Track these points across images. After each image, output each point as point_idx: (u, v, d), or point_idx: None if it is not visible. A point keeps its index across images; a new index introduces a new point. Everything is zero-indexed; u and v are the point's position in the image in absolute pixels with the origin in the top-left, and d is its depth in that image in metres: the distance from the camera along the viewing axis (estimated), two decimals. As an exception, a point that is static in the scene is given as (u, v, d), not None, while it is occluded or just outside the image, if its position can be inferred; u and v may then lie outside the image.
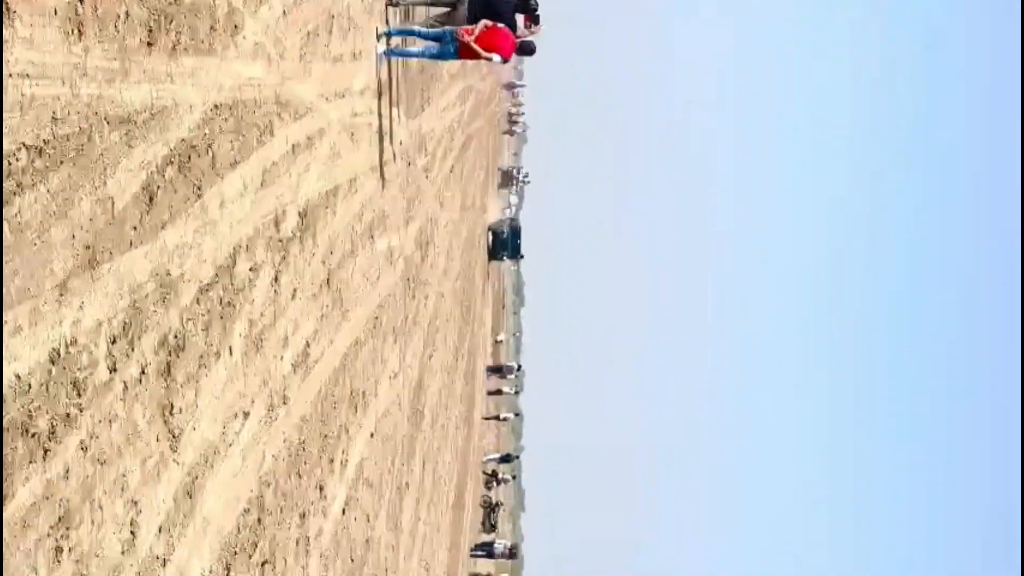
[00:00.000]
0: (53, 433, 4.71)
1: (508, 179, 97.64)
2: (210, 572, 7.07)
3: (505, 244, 59.49)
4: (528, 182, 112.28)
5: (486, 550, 43.60)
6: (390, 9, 15.05)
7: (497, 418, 59.39)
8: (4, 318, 4.27)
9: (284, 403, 9.12)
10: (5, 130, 4.30)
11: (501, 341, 77.68)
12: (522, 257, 67.62)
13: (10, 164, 4.32)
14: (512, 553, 45.87)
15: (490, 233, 57.62)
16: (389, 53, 14.85)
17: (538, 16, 17.29)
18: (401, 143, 17.28)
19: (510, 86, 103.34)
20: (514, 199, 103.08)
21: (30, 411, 4.49)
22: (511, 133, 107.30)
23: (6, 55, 4.31)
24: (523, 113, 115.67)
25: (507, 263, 78.05)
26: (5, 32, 4.30)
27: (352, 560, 12.78)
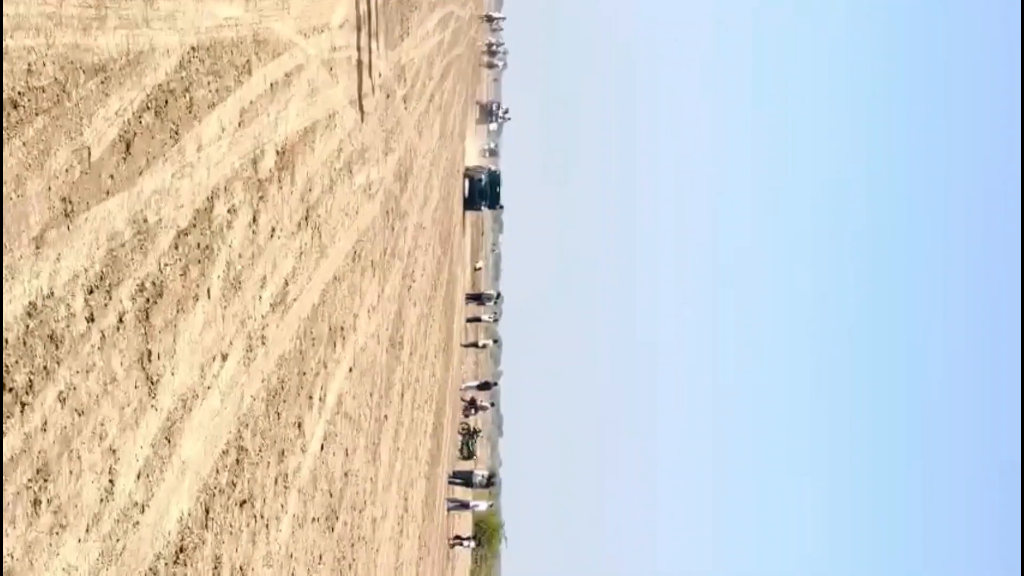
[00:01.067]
0: (31, 387, 4.72)
1: (487, 113, 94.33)
2: (189, 514, 7.11)
3: (484, 193, 54.80)
4: (508, 118, 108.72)
5: (463, 478, 43.92)
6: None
7: (475, 345, 59.62)
8: (-20, 274, 4.27)
9: (263, 343, 9.13)
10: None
11: (480, 268, 77.57)
12: (502, 207, 63.44)
13: (-15, 119, 4.30)
14: (489, 482, 46.26)
15: (466, 180, 53.23)
16: None
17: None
18: (380, 75, 17.18)
19: (489, 18, 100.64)
20: (492, 140, 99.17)
21: (7, 366, 4.49)
22: (491, 66, 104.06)
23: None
24: (503, 43, 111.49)
25: (485, 212, 71.01)
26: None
27: (331, 495, 12.86)
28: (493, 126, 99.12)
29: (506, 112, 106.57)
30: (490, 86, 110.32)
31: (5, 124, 4.47)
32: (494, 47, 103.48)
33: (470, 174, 54.04)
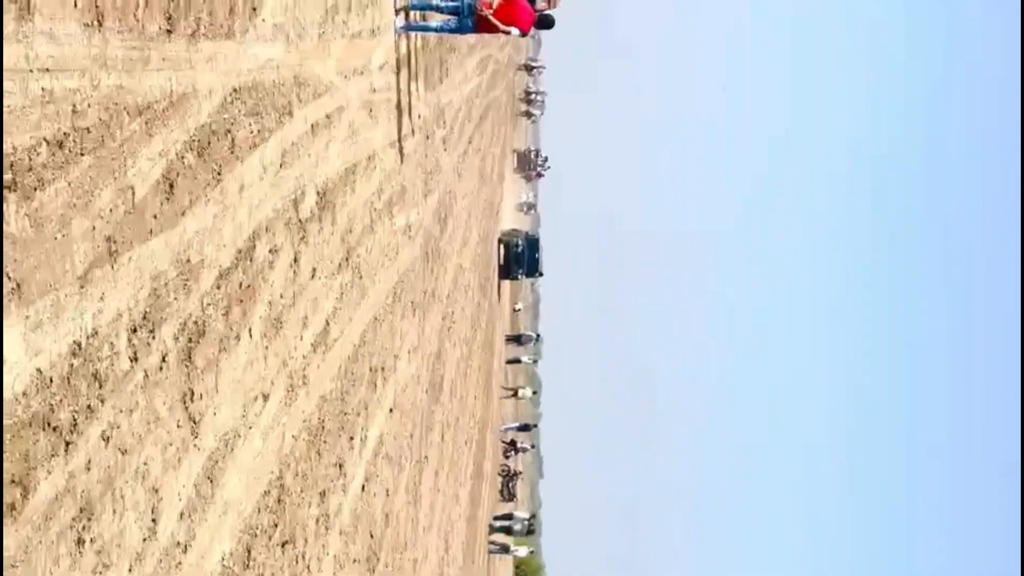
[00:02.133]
0: (75, 425, 4.72)
1: (525, 162, 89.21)
2: (231, 555, 7.10)
3: (520, 259, 48.28)
4: (548, 167, 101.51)
5: (504, 528, 43.73)
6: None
7: (515, 395, 58.49)
8: (26, 313, 4.28)
9: (304, 383, 9.14)
10: (26, 125, 4.30)
11: (520, 310, 77.03)
12: (541, 275, 55.94)
13: (30, 159, 4.32)
14: (530, 529, 45.98)
15: (501, 246, 46.84)
16: (407, 28, 14.81)
17: (555, -8, 17.25)
18: (420, 116, 17.25)
19: (528, 67, 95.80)
20: (530, 192, 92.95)
21: (52, 405, 4.50)
22: (528, 115, 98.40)
23: (28, 51, 4.30)
24: (542, 90, 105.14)
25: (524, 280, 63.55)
26: (26, 27, 4.29)
27: (372, 536, 12.83)
28: (531, 177, 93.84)
29: (545, 161, 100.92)
30: (528, 133, 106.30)
31: (51, 164, 4.50)
32: (532, 95, 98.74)
33: (505, 239, 48.28)
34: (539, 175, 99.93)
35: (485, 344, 36.75)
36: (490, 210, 41.87)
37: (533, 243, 50.54)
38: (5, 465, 4.10)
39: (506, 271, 48.08)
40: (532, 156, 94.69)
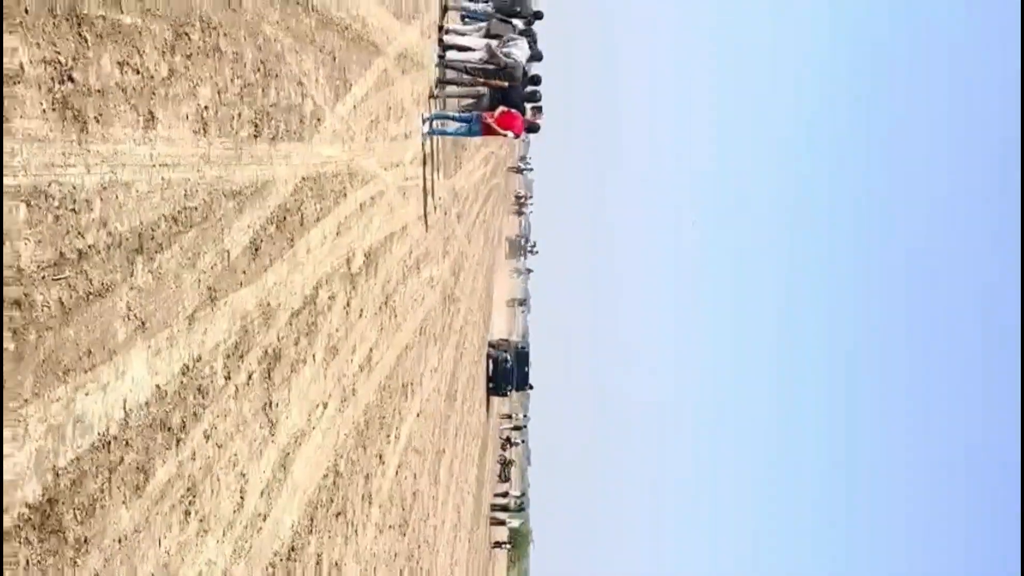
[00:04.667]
0: (184, 427, 4.72)
1: (516, 248, 76.18)
2: (298, 522, 7.07)
3: (509, 376, 34.80)
4: (536, 252, 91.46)
5: (502, 504, 43.72)
6: (431, 100, 15.07)
7: (509, 442, 54.35)
8: (148, 344, 4.29)
9: (353, 395, 9.12)
10: (149, 205, 4.32)
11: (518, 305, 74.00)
12: (531, 388, 41.30)
13: (153, 231, 4.34)
14: (521, 506, 45.93)
15: (490, 361, 34.15)
16: (431, 132, 14.89)
17: (541, 107, 17.37)
18: (440, 198, 17.29)
19: (518, 169, 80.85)
20: (522, 274, 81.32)
21: (166, 411, 4.50)
22: (519, 213, 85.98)
23: (151, 151, 4.33)
24: (531, 196, 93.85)
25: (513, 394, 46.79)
26: (151, 134, 4.32)
27: (403, 508, 12.77)
28: (522, 261, 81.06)
29: (534, 246, 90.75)
30: (518, 223, 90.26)
31: (168, 233, 4.52)
32: (522, 199, 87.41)
33: (494, 355, 34.99)
34: (530, 252, 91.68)
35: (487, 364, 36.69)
36: (493, 266, 41.88)
37: (522, 356, 37.33)
38: (132, 454, 4.11)
39: (496, 388, 35.36)
40: (522, 243, 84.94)
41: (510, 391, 38.83)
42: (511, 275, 64.02)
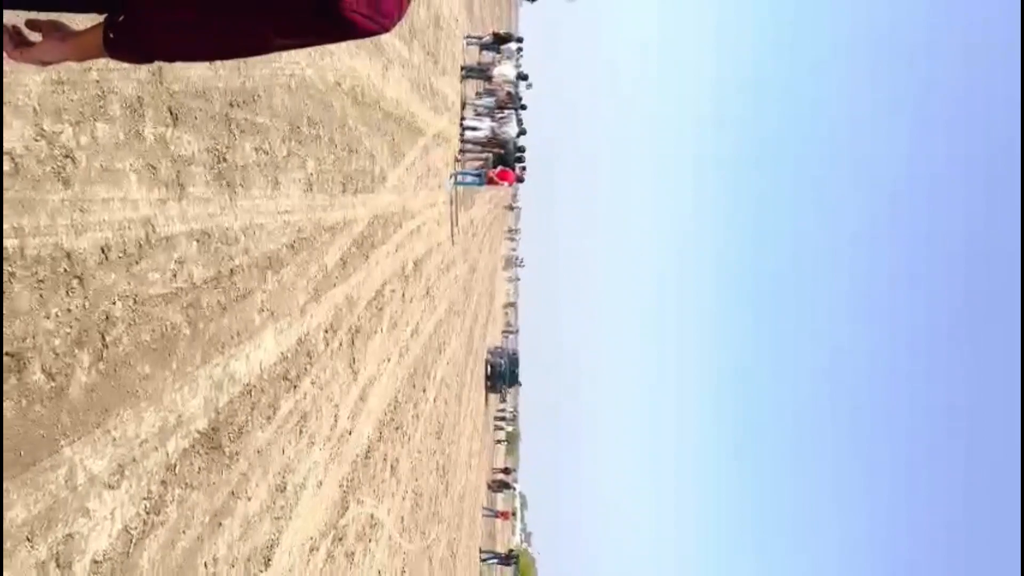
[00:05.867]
0: (298, 377, 4.70)
1: (509, 263, 67.35)
2: (372, 434, 7.04)
3: (503, 377, 31.49)
4: (523, 266, 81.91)
5: (501, 416, 41.51)
6: (455, 163, 15.00)
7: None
8: (276, 326, 4.26)
9: (407, 352, 9.08)
10: (276, 239, 4.29)
11: (510, 307, 72.22)
12: (520, 384, 38.32)
13: (279, 255, 4.31)
14: (513, 417, 44.02)
15: (488, 367, 29.90)
16: (455, 184, 14.83)
17: (524, 166, 17.34)
18: (461, 224, 17.22)
19: (510, 207, 68.95)
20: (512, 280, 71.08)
21: (287, 368, 4.48)
22: (512, 239, 69.87)
23: (276, 205, 4.29)
24: (520, 228, 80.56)
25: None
26: (275, 192, 4.28)
27: (439, 422, 12.74)
28: (514, 271, 72.64)
29: (521, 260, 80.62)
30: (511, 245, 73.66)
31: (287, 255, 4.48)
32: (513, 231, 68.46)
33: (491, 361, 30.49)
34: (519, 266, 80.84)
35: (493, 328, 36.53)
36: (496, 267, 41.73)
37: (514, 361, 33.05)
38: (265, 397, 4.09)
39: (492, 387, 31.29)
40: (513, 261, 75.29)
41: (504, 388, 34.81)
42: (506, 282, 61.84)
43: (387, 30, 1.23)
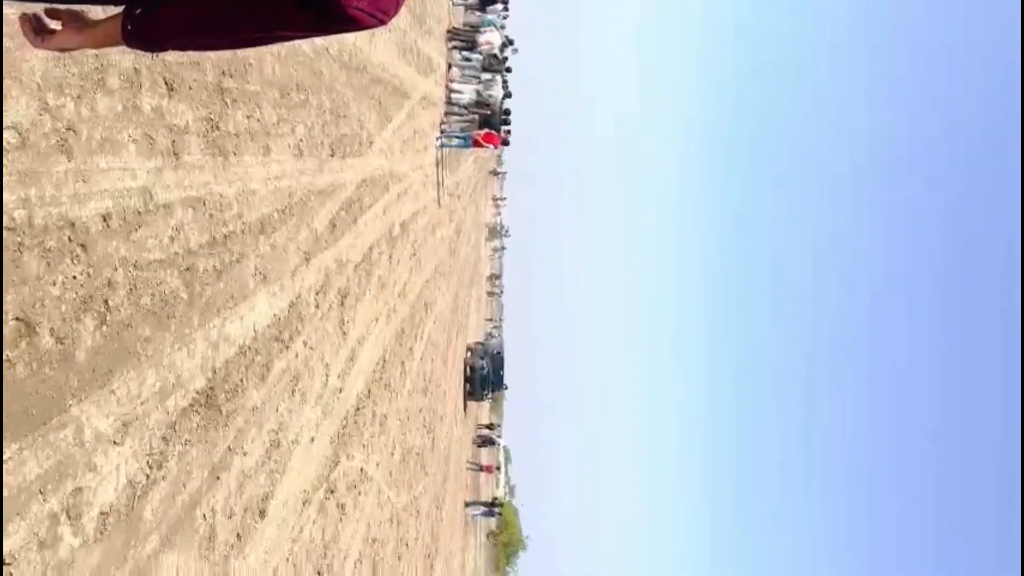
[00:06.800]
0: (290, 338, 4.76)
1: (493, 233, 59.28)
2: (362, 391, 7.12)
3: (485, 381, 24.17)
4: (509, 235, 73.54)
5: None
6: (441, 125, 14.88)
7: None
8: (269, 289, 4.32)
9: (395, 312, 9.13)
10: (266, 203, 4.31)
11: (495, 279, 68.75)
12: (505, 388, 30.03)
13: (271, 220, 4.35)
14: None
15: (468, 369, 23.20)
16: (441, 146, 14.74)
17: (510, 129, 17.22)
18: (447, 186, 17.15)
19: (495, 172, 61.41)
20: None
21: (280, 329, 4.54)
22: (497, 208, 60.77)
23: (266, 170, 4.31)
24: (505, 197, 71.18)
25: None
26: (269, 168, 4.30)
27: (425, 379, 12.87)
28: (499, 240, 64.59)
29: (507, 230, 72.13)
30: (497, 214, 64.42)
31: (278, 220, 4.52)
32: (499, 199, 62.25)
33: (471, 362, 23.60)
34: (504, 235, 70.79)
35: (478, 291, 36.62)
36: (479, 225, 41.59)
37: (498, 360, 25.74)
38: (259, 357, 4.17)
39: (472, 393, 24.35)
40: (498, 229, 66.97)
41: (487, 395, 27.06)
42: (491, 251, 55.76)
43: (385, 24, 1.29)
